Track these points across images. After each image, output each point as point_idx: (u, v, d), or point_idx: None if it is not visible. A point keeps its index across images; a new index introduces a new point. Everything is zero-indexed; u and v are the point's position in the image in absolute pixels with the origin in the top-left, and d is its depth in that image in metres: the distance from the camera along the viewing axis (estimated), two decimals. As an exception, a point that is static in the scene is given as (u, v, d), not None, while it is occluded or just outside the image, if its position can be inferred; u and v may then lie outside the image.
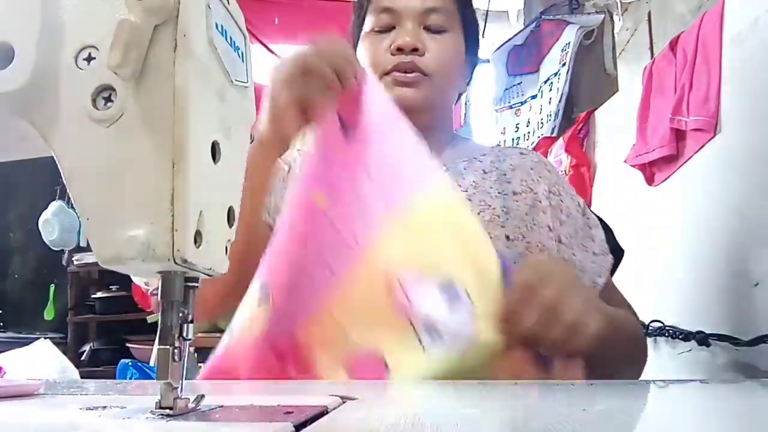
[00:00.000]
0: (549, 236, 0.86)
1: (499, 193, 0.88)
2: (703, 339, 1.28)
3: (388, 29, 0.93)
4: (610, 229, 0.99)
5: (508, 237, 0.83)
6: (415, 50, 0.89)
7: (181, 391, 0.38)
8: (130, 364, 2.54)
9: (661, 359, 1.45)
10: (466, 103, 3.18)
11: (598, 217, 0.95)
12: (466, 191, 0.87)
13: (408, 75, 0.90)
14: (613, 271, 0.92)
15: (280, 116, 0.75)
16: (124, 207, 0.36)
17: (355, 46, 0.98)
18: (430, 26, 0.92)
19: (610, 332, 0.69)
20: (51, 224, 3.47)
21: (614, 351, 0.74)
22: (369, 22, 0.95)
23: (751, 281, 1.18)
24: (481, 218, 0.83)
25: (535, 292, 0.64)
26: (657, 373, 1.39)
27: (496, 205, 0.86)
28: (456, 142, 1.00)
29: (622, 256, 0.99)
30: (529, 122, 2.63)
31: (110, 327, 3.72)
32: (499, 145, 1.03)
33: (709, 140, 1.35)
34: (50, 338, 2.59)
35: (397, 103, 0.83)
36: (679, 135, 1.49)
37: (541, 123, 2.52)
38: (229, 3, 0.42)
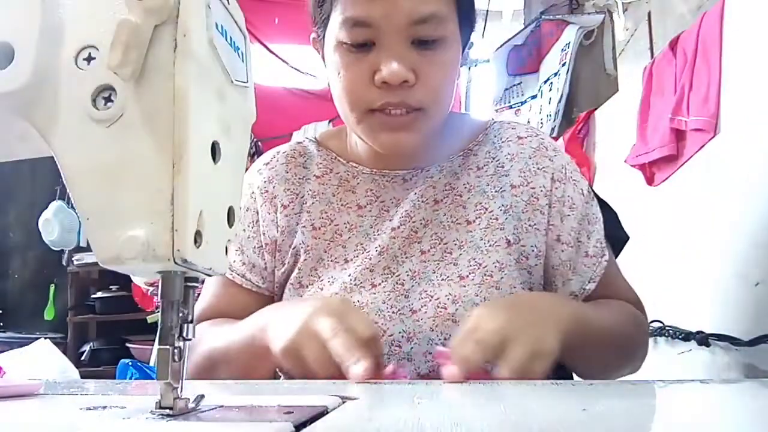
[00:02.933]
0: (544, 240, 0.80)
1: (496, 191, 0.81)
2: (703, 339, 1.28)
3: (365, 45, 0.74)
4: (615, 213, 0.91)
5: (508, 241, 0.78)
6: (405, 81, 0.73)
7: (181, 391, 0.38)
8: (130, 364, 2.54)
9: (661, 359, 1.45)
10: (466, 103, 3.19)
11: (602, 201, 0.88)
12: (460, 196, 0.82)
13: (396, 116, 0.75)
14: (616, 256, 0.88)
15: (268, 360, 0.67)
16: (124, 207, 0.36)
17: (318, 47, 0.83)
18: (420, 39, 0.74)
19: (582, 341, 0.66)
20: (51, 224, 3.47)
21: (594, 353, 0.72)
22: (338, 33, 0.75)
23: (752, 281, 1.18)
24: (477, 225, 0.80)
25: (477, 333, 0.60)
26: (657, 373, 1.39)
27: (493, 207, 0.80)
28: (449, 128, 0.86)
29: (627, 241, 0.93)
30: (529, 122, 2.63)
31: (110, 327, 3.72)
32: (495, 122, 0.89)
33: (709, 140, 1.35)
34: (50, 338, 2.59)
35: (386, 149, 0.78)
36: (679, 135, 1.49)
37: (541, 123, 2.52)
38: (229, 3, 0.42)
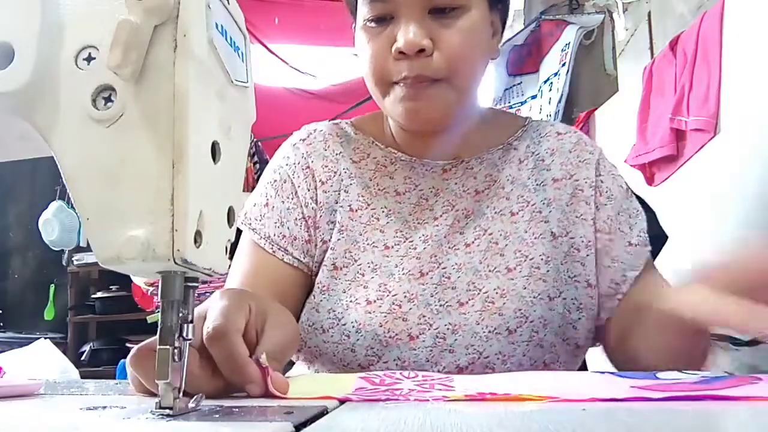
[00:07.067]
0: (592, 230, 0.78)
1: (538, 184, 0.81)
2: (703, 339, 1.28)
3: (383, 19, 0.76)
4: (653, 211, 0.89)
5: (553, 234, 0.78)
6: (421, 51, 0.73)
7: (181, 391, 0.39)
8: (130, 364, 2.53)
9: (661, 359, 1.44)
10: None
11: (641, 200, 0.85)
12: (503, 188, 0.81)
13: (418, 87, 0.75)
14: (654, 257, 0.84)
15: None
16: (124, 207, 0.36)
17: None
18: (437, 7, 0.74)
19: None
20: (51, 224, 3.47)
21: None
22: (361, 11, 0.77)
23: (751, 281, 1.18)
24: (520, 217, 0.79)
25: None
26: (657, 373, 1.39)
27: (535, 201, 0.80)
28: (484, 120, 0.87)
29: (665, 242, 0.90)
30: (529, 122, 2.63)
31: (110, 327, 3.72)
32: (533, 120, 0.90)
33: (709, 140, 1.35)
34: (50, 338, 2.59)
35: (409, 119, 0.77)
36: (679, 135, 1.49)
37: (541, 123, 2.52)
38: (229, 3, 0.42)
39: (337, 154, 0.86)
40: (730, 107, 1.28)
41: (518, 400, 0.43)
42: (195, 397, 0.40)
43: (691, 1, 1.72)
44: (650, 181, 1.67)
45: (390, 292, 0.76)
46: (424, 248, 0.78)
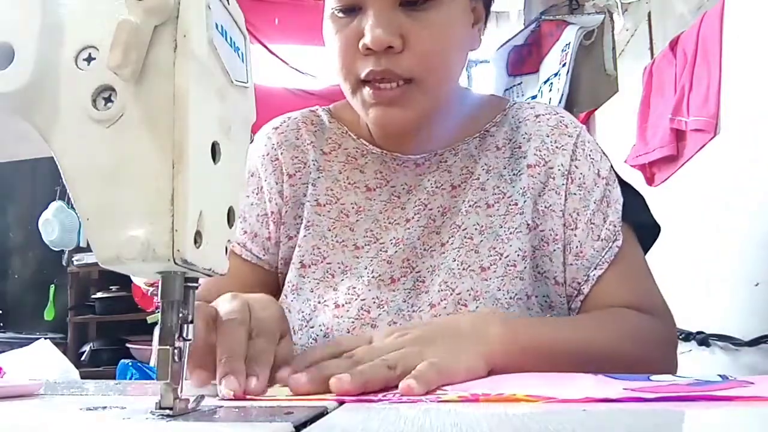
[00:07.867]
0: (561, 222, 0.73)
1: (514, 174, 0.76)
2: (703, 339, 1.28)
3: (352, 10, 0.70)
4: (642, 198, 0.81)
5: (529, 226, 0.74)
6: (390, 47, 0.68)
7: (181, 391, 0.39)
8: (130, 364, 2.54)
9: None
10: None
11: (628, 185, 0.79)
12: (479, 178, 0.77)
13: (386, 90, 0.70)
14: (647, 249, 0.79)
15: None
16: (124, 207, 0.36)
17: None
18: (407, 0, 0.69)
19: (530, 358, 0.59)
20: (51, 224, 3.47)
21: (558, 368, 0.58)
22: (329, 1, 0.73)
23: (752, 281, 1.18)
24: (495, 210, 0.75)
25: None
26: (657, 373, 1.39)
27: (512, 192, 0.75)
28: (465, 108, 0.81)
29: (658, 233, 0.81)
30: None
31: (110, 327, 3.72)
32: (515, 103, 0.84)
33: (709, 140, 1.35)
34: (50, 338, 2.59)
35: (378, 126, 0.74)
36: (679, 135, 1.49)
37: (541, 123, 2.51)
38: (229, 3, 0.42)
39: (307, 145, 0.82)
40: (730, 107, 1.28)
41: (512, 400, 0.43)
42: (195, 397, 0.40)
43: (691, 1, 1.72)
44: (650, 181, 1.67)
45: (359, 296, 0.73)
46: (395, 252, 0.75)
